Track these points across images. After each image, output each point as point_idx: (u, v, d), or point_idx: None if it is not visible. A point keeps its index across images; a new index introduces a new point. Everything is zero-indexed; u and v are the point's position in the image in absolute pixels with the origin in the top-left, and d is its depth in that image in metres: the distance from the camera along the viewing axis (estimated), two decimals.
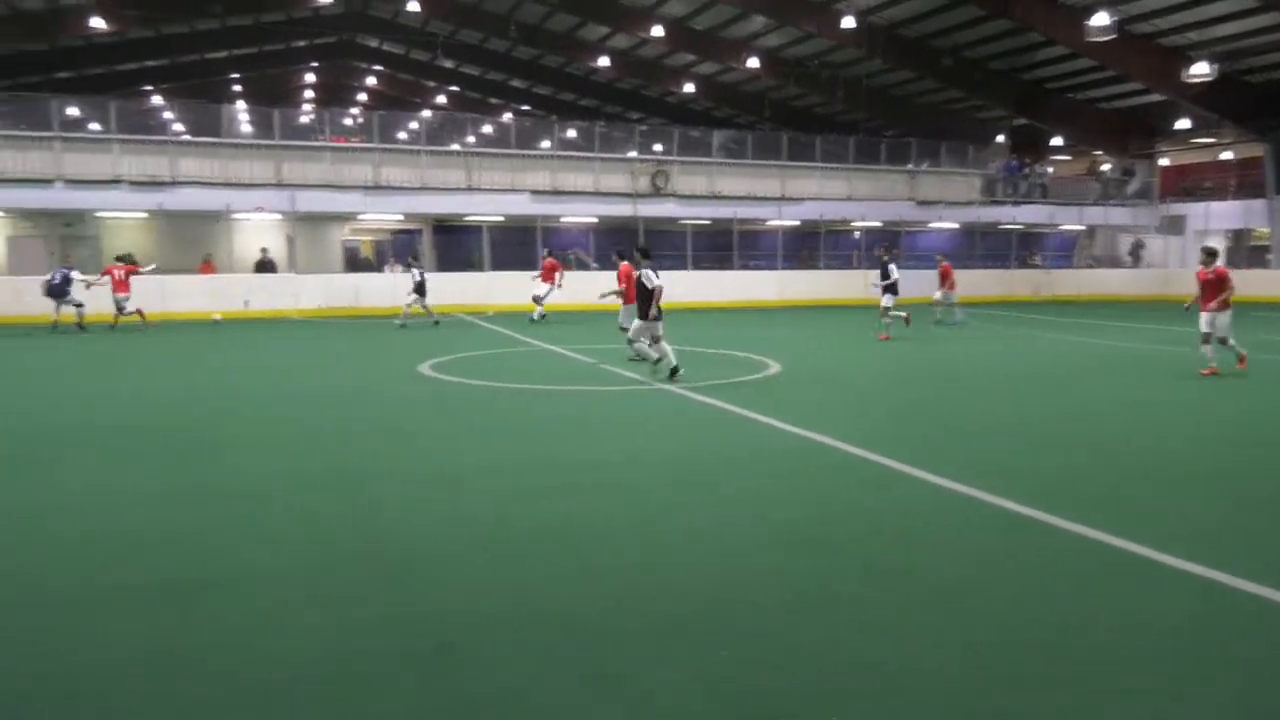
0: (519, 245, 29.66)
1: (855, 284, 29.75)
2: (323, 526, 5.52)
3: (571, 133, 31.53)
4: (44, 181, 23.04)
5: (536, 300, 21.61)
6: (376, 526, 5.52)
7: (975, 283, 27.81)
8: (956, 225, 32.60)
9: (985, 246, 32.81)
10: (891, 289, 17.73)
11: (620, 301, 14.31)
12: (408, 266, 22.12)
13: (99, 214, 24.70)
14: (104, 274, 19.38)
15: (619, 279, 14.36)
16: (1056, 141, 36.93)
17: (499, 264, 27.58)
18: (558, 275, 21.67)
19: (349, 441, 8.08)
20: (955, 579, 4.65)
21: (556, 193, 27.64)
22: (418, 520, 5.65)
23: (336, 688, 3.50)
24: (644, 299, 11.76)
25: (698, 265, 30.26)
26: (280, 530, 5.47)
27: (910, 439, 8.18)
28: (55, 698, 3.44)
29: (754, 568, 4.81)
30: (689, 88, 39.28)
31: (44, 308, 19.34)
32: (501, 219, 27.95)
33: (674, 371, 11.40)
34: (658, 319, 11.77)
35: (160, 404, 10.18)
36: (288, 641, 3.91)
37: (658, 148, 30.50)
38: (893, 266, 17.78)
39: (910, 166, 31.70)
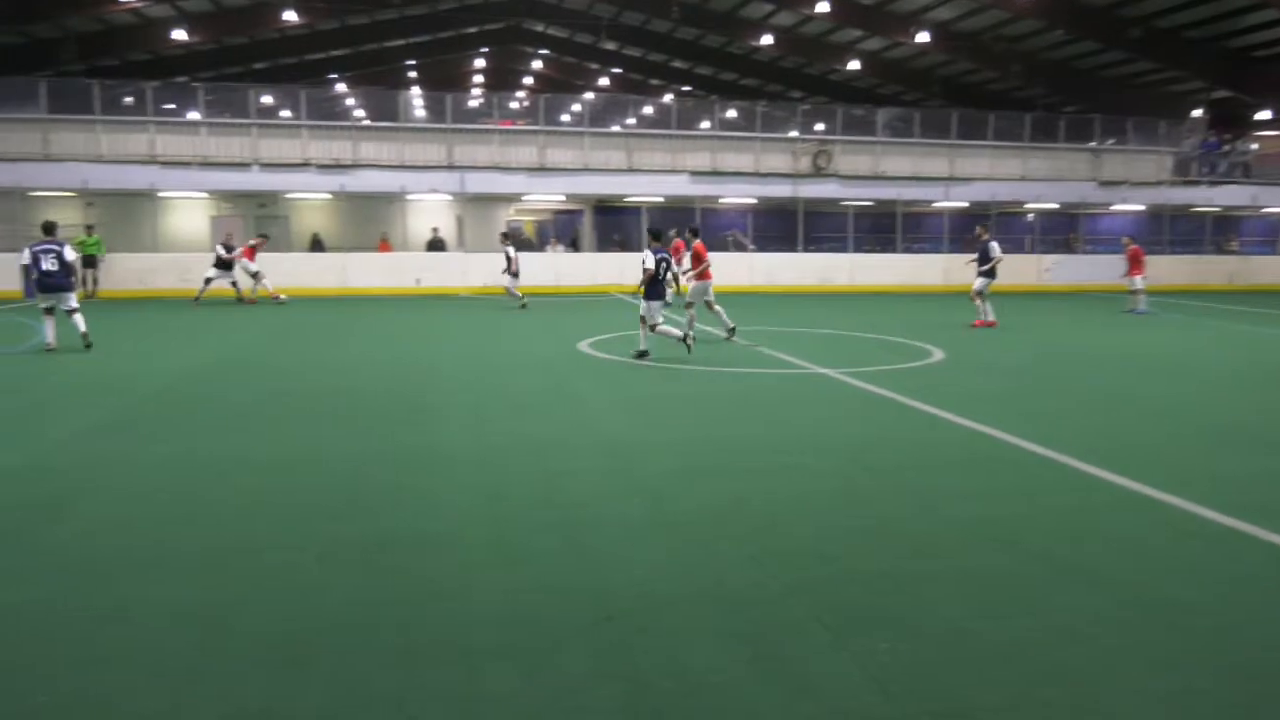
0: (677, 226, 29.82)
1: (1029, 269, 28.33)
2: (504, 494, 5.77)
3: (732, 113, 31.30)
4: (242, 165, 24.93)
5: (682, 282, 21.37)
6: (548, 495, 5.73)
7: (1163, 269, 25.93)
8: (1142, 207, 30.43)
9: (1174, 231, 30.50)
10: (990, 272, 16.60)
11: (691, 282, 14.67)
12: (508, 243, 21.03)
13: (289, 195, 26.50)
14: (243, 252, 20.94)
15: (692, 259, 14.69)
16: (1264, 115, 33.76)
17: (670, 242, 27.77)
18: (685, 257, 21.33)
19: (520, 415, 8.39)
20: (1148, 585, 4.40)
21: (716, 173, 27.57)
22: (589, 492, 5.83)
23: (514, 649, 3.67)
24: (649, 281, 12.07)
25: (859, 248, 29.56)
26: (466, 496, 5.76)
27: (1086, 434, 7.75)
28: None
29: (930, 562, 4.70)
30: (854, 65, 38.23)
31: (242, 284, 21.00)
32: (660, 200, 28.15)
33: (642, 354, 11.94)
34: (661, 298, 12.20)
35: (342, 371, 10.87)
36: (471, 601, 4.13)
37: (819, 127, 29.88)
38: (994, 245, 16.62)
39: (1093, 145, 29.78)
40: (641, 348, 12.10)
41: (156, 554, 4.71)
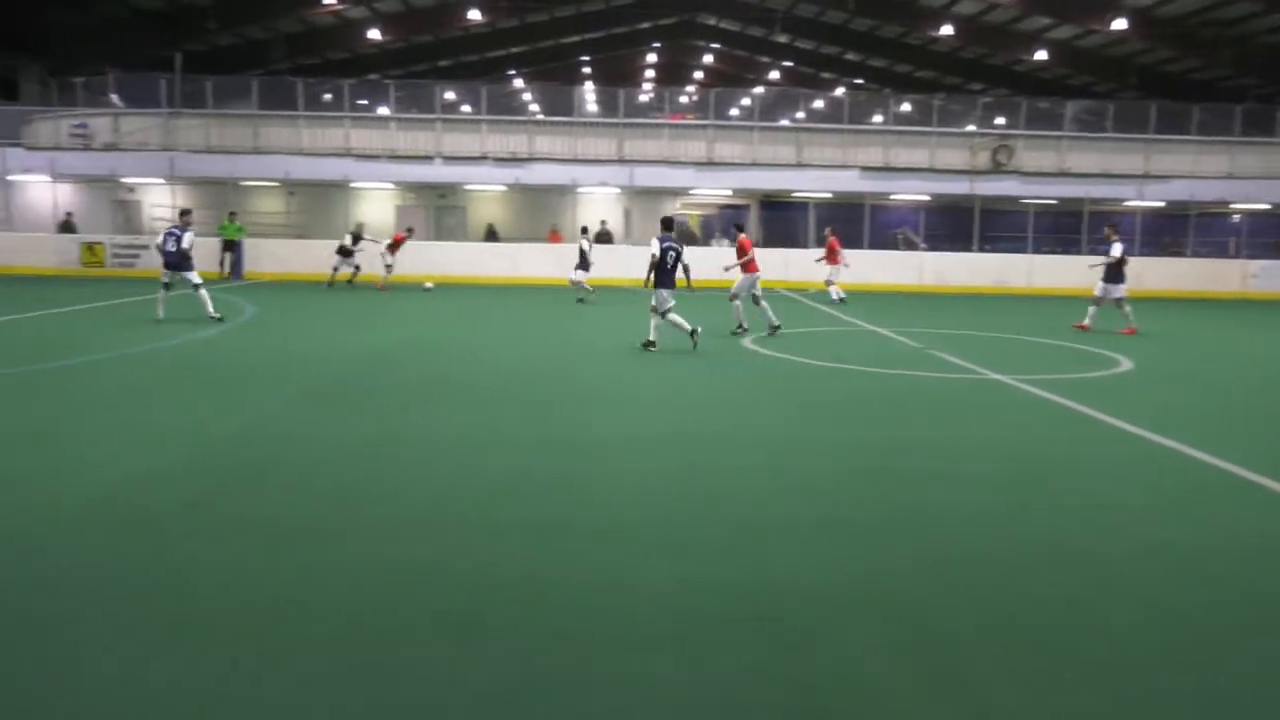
0: (845, 223, 29.19)
1: (1231, 275, 26.13)
2: (665, 484, 5.86)
3: (906, 106, 30.34)
4: (426, 158, 26.24)
5: (829, 283, 20.97)
6: (711, 490, 5.77)
7: None
8: None
9: None
10: (1116, 274, 15.37)
11: (740, 273, 14.62)
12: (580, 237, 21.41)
13: (467, 187, 27.68)
14: (395, 240, 21.88)
15: (737, 253, 14.69)
16: None
17: (823, 241, 27.31)
18: (841, 255, 20.91)
19: (681, 408, 8.47)
20: None
21: (887, 169, 26.82)
22: (753, 489, 5.82)
23: (678, 641, 3.72)
24: (656, 269, 12.02)
25: (1038, 249, 28.05)
26: (630, 485, 5.88)
27: None
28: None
29: (1117, 592, 4.43)
30: (1040, 54, 36.23)
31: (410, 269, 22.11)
32: (828, 195, 27.65)
33: (649, 344, 11.99)
34: (671, 286, 12.13)
35: (514, 356, 11.28)
36: (635, 590, 4.21)
37: (1000, 121, 28.55)
38: (1117, 246, 15.46)
39: None
40: (650, 337, 12.14)
41: (339, 524, 5.06)
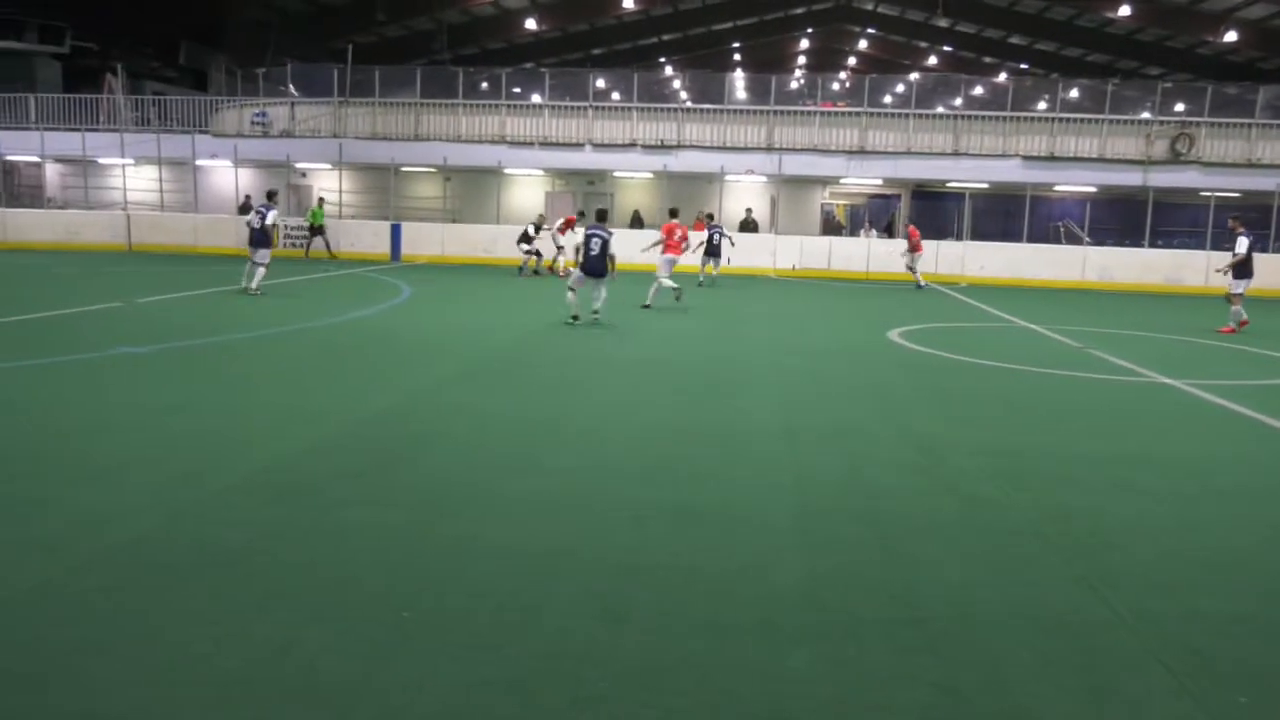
0: (1003, 215, 27.99)
1: None
2: (807, 477, 5.80)
3: (1075, 92, 28.70)
4: (577, 145, 26.75)
5: (910, 270, 22.29)
6: (859, 485, 5.67)
7: None
8: None
9: None
10: (1241, 270, 14.53)
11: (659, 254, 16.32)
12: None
13: (616, 174, 28.04)
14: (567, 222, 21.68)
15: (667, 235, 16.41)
16: None
17: (979, 233, 26.32)
18: (920, 244, 22.37)
19: (826, 401, 8.35)
20: None
21: (1052, 158, 25.48)
22: (897, 486, 5.69)
23: (818, 635, 3.68)
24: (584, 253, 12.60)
25: (1218, 245, 26.04)
26: (772, 476, 5.85)
27: None
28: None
29: None
30: (1230, 36, 33.55)
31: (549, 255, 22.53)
32: (985, 186, 26.54)
33: (575, 318, 12.61)
34: (584, 272, 12.60)
35: (657, 344, 11.39)
36: (775, 581, 4.20)
37: (1180, 108, 26.63)
38: (1242, 238, 14.51)
39: None
40: (573, 314, 12.73)
41: (498, 497, 5.25)
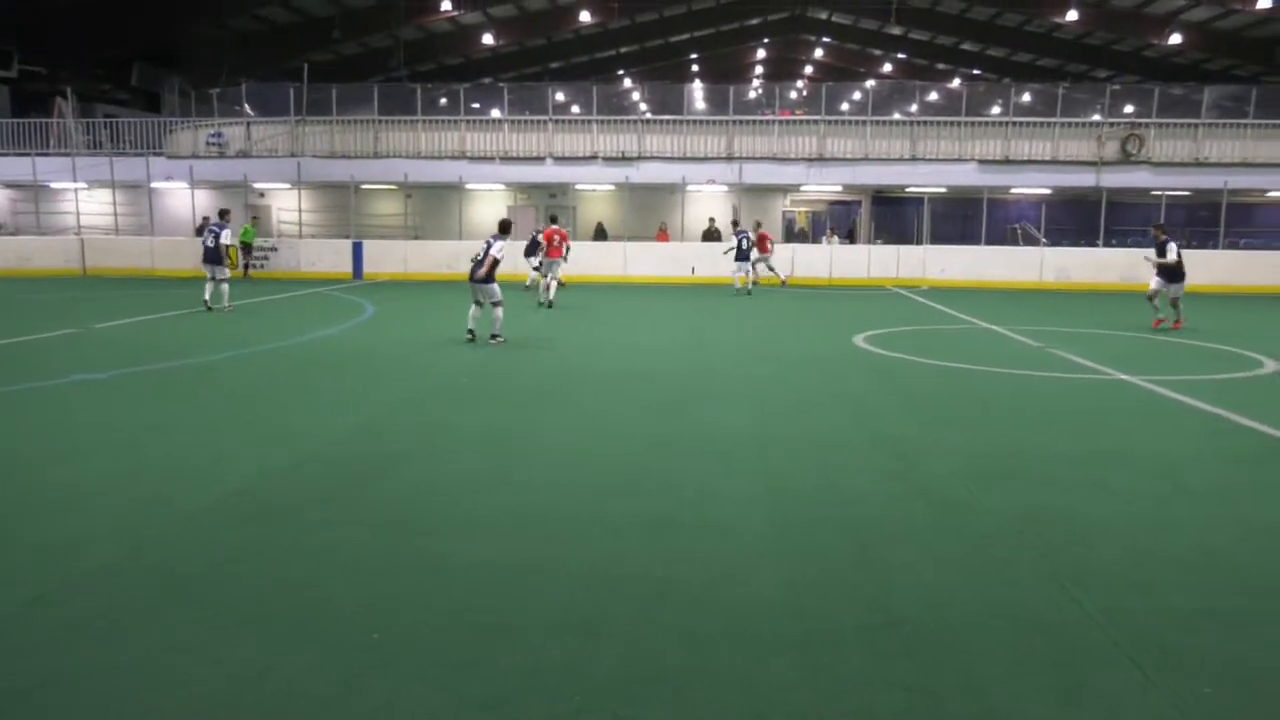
0: (962, 218, 28.40)
1: None
2: (782, 486, 5.82)
3: (1027, 96, 29.23)
4: (538, 159, 26.73)
5: (772, 270, 23.41)
6: (833, 492, 5.70)
7: None
8: None
9: None
10: (1172, 273, 14.80)
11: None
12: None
13: (578, 187, 28.05)
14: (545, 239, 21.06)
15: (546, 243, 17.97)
16: None
17: (939, 237, 26.66)
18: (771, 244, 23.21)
19: (797, 408, 8.39)
20: None
21: (1007, 162, 25.91)
22: (870, 491, 5.73)
23: (795, 642, 3.69)
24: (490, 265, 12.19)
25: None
26: (745, 485, 5.86)
27: None
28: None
29: (1263, 601, 4.19)
30: (1174, 38, 34.37)
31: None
32: (943, 190, 26.90)
33: (470, 334, 12.38)
34: (484, 281, 12.21)
35: (628, 356, 11.39)
36: (751, 590, 4.21)
37: (1129, 109, 27.19)
38: (1172, 245, 14.80)
39: None
40: (470, 327, 12.49)
41: (471, 514, 5.21)
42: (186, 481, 5.78)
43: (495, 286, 12.30)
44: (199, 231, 25.67)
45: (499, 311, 12.33)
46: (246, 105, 28.30)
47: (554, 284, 17.91)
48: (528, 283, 20.36)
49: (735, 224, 23.21)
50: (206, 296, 16.02)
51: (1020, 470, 6.33)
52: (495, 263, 12.18)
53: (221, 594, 4.07)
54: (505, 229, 12.72)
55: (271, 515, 5.15)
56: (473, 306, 12.53)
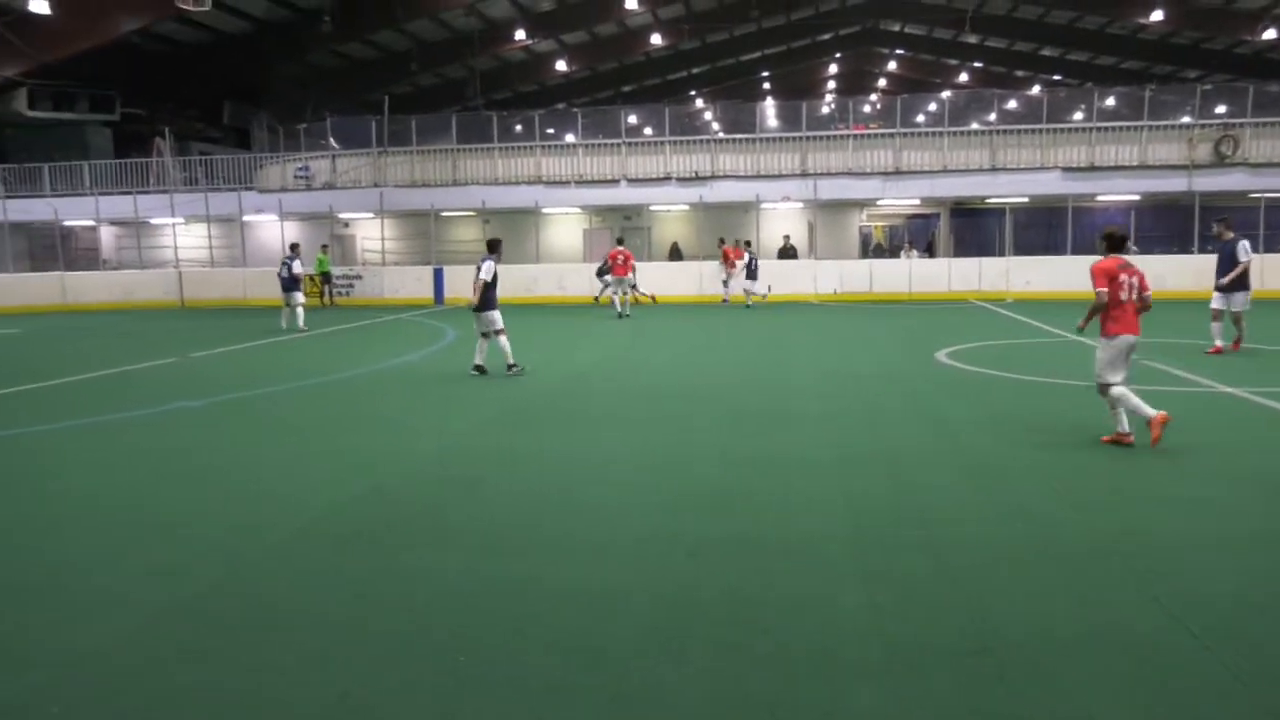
0: (1046, 228, 27.64)
1: None
2: (863, 505, 5.73)
3: (1112, 100, 28.37)
4: (612, 182, 27.01)
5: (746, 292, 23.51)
6: (916, 512, 5.58)
7: None
8: None
9: None
10: (1239, 283, 12.39)
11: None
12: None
13: (652, 208, 28.22)
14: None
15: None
16: None
17: (1022, 248, 25.99)
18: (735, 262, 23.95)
19: (883, 426, 8.25)
20: None
21: (1092, 168, 25.18)
22: (956, 511, 5.59)
23: (880, 669, 3.62)
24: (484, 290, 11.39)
25: (1271, 247, 25.44)
26: (827, 505, 5.78)
27: None
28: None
29: None
30: (1269, 34, 32.97)
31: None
32: (1026, 200, 26.25)
33: (479, 369, 11.66)
34: (479, 309, 11.49)
35: (702, 374, 11.35)
36: (835, 614, 4.13)
37: (1221, 109, 26.17)
38: (1244, 245, 12.46)
39: None
40: (478, 361, 11.76)
41: (552, 537, 5.25)
42: (275, 507, 5.96)
43: (495, 314, 11.45)
44: None
45: (504, 341, 11.50)
46: (331, 139, 29.30)
47: (619, 296, 20.13)
48: (598, 297, 21.27)
49: (747, 244, 24.32)
50: (284, 323, 18.13)
51: (1117, 489, 6.09)
52: (486, 286, 11.28)
53: (310, 618, 4.18)
54: (493, 248, 11.71)
55: (356, 540, 5.28)
56: (479, 339, 11.77)
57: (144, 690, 3.53)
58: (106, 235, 31.93)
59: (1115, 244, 7.56)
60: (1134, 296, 7.31)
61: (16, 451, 7.94)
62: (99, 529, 5.56)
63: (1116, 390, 7.27)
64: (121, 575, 4.76)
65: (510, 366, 11.55)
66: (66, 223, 29.51)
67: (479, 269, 11.42)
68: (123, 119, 32.08)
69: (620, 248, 20.90)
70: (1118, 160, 25.17)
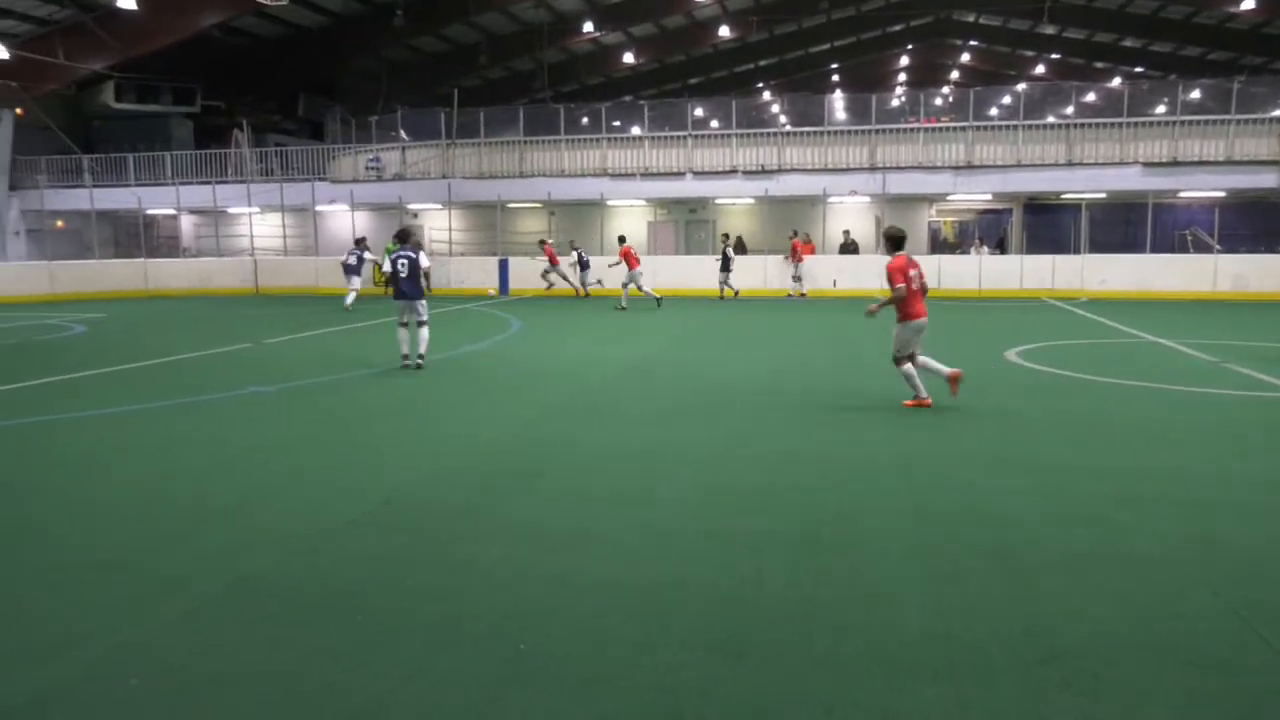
0: (1124, 224, 26.82)
1: None
2: (927, 506, 5.62)
3: (1197, 93, 27.31)
4: (677, 174, 26.94)
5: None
6: (981, 513, 5.45)
7: None
8: None
9: None
10: None
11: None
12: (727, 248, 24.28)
13: (717, 201, 28.09)
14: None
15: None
16: None
17: (1098, 245, 25.24)
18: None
19: (948, 425, 8.09)
20: None
21: (1175, 163, 24.28)
22: (1022, 514, 5.45)
23: (944, 672, 3.53)
24: (393, 280, 11.51)
25: None
26: (889, 505, 5.69)
27: None
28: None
29: None
30: None
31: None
32: (1103, 195, 25.47)
33: (405, 359, 11.53)
34: (396, 297, 11.51)
35: (768, 371, 11.26)
36: (898, 614, 4.06)
37: None
38: None
39: None
40: (405, 352, 11.58)
41: (605, 530, 5.26)
42: (338, 491, 6.08)
43: (425, 303, 11.61)
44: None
45: (426, 332, 11.54)
46: (401, 130, 29.79)
47: (629, 290, 21.01)
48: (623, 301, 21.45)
49: (725, 237, 24.91)
50: (348, 303, 20.27)
51: (1190, 494, 5.87)
52: (425, 275, 11.55)
53: (369, 601, 4.25)
54: (404, 238, 11.75)
55: (416, 526, 5.35)
56: (400, 329, 11.63)
57: (206, 668, 3.62)
58: (186, 223, 32.97)
59: (898, 244, 8.87)
60: (918, 286, 8.70)
61: (91, 432, 8.24)
62: (162, 514, 5.73)
63: (907, 367, 8.71)
64: (183, 557, 4.89)
65: (420, 357, 11.49)
66: (149, 211, 30.53)
67: (415, 258, 11.42)
68: (203, 111, 33.08)
69: (628, 244, 21.75)
70: (1202, 155, 24.24)
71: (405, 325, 11.62)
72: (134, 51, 27.60)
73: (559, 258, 25.24)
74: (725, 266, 23.56)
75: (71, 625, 4.01)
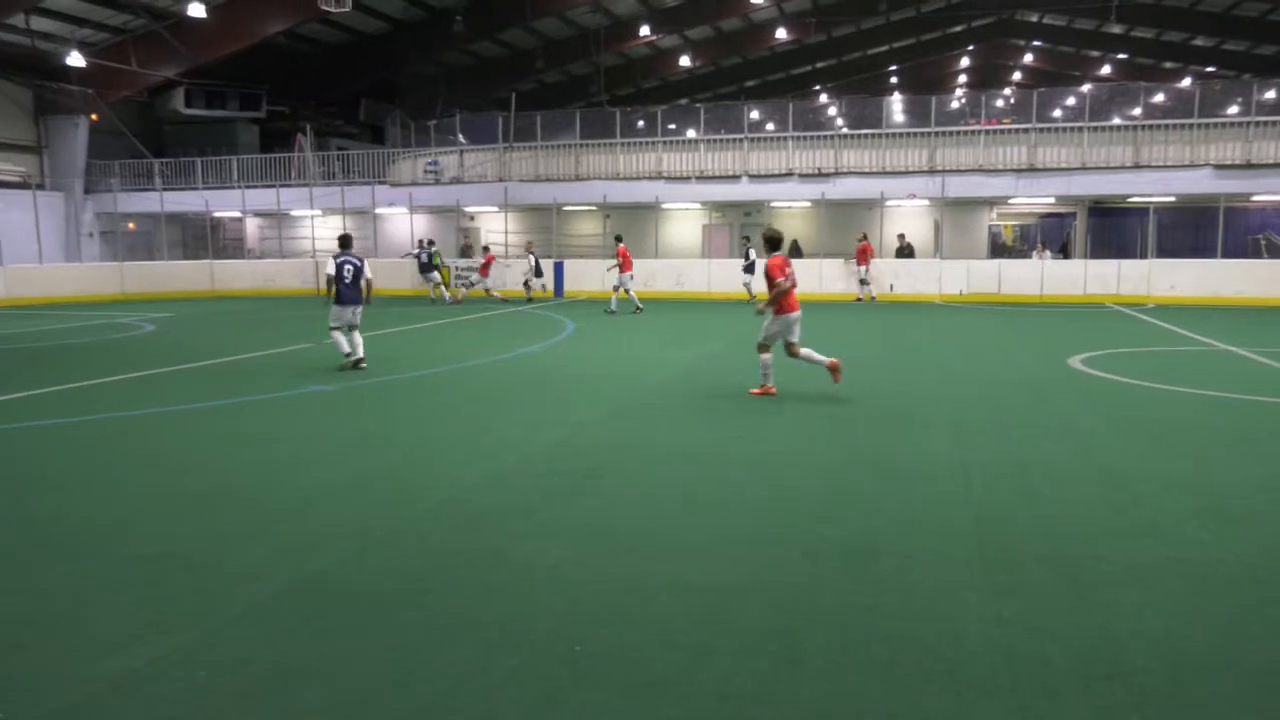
0: (1193, 229, 26.08)
1: None
2: (988, 515, 5.53)
3: (1272, 93, 26.40)
4: (733, 177, 26.86)
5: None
6: (1046, 525, 5.35)
7: None
8: None
9: None
10: None
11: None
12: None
13: (773, 204, 27.95)
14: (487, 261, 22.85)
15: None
16: None
17: (1165, 250, 24.58)
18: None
19: (1012, 435, 7.94)
20: None
21: (1248, 166, 23.53)
22: (1087, 525, 5.33)
23: (1005, 688, 3.47)
24: (336, 284, 11.78)
25: None
26: (950, 514, 5.61)
27: None
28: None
29: None
30: None
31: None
32: (1172, 199, 24.78)
33: (356, 363, 11.67)
34: (339, 303, 11.80)
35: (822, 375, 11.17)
36: (957, 626, 4.00)
37: None
38: None
39: None
40: (357, 356, 11.76)
41: (666, 532, 5.27)
42: (403, 489, 6.18)
43: (361, 309, 12.05)
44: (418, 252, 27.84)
45: (359, 336, 11.94)
46: (459, 134, 30.17)
47: (619, 293, 20.85)
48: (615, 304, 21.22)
49: (747, 239, 25.06)
50: (432, 295, 24.09)
51: (1265, 507, 5.69)
52: (368, 282, 12.13)
53: (435, 598, 4.32)
54: (346, 244, 12.40)
55: (480, 525, 5.42)
56: (338, 334, 11.94)
57: (275, 658, 3.71)
58: (251, 226, 33.80)
59: (776, 244, 9.60)
60: (791, 284, 9.38)
61: (162, 429, 8.49)
62: (233, 509, 5.88)
63: (766, 356, 9.66)
64: (255, 552, 5.02)
65: (361, 360, 11.75)
66: (216, 214, 31.35)
67: (361, 266, 12.02)
68: (268, 116, 33.89)
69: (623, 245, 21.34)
70: (1277, 157, 23.45)
71: (339, 329, 11.88)
72: (203, 59, 28.40)
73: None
74: (750, 269, 23.85)
75: (144, 618, 4.14)
